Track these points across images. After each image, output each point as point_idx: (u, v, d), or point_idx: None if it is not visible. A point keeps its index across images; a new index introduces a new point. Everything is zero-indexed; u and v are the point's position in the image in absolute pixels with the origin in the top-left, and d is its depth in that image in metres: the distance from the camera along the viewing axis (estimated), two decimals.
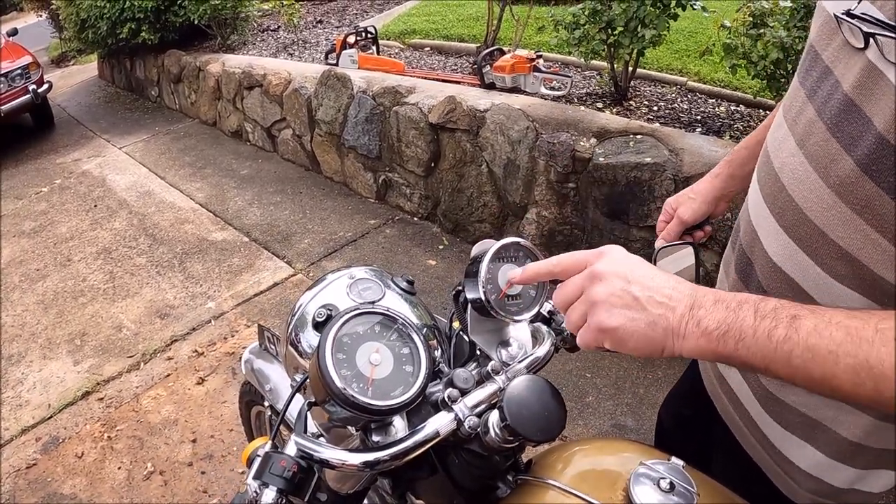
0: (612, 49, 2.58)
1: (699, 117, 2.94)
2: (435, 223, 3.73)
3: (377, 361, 0.70)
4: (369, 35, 4.47)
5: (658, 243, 1.09)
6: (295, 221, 3.85)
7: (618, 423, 2.25)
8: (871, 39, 0.60)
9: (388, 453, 0.68)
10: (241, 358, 1.44)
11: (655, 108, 3.09)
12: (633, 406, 2.31)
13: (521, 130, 2.95)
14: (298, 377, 0.83)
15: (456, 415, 0.71)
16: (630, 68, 3.07)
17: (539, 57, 3.39)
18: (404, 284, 0.90)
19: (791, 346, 0.55)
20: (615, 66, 3.04)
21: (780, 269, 0.74)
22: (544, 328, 0.84)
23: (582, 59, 2.93)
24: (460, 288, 0.82)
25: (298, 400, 0.83)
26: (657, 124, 2.81)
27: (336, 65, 4.36)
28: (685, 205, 1.07)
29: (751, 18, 2.17)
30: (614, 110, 3.07)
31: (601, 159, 2.62)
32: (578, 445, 0.81)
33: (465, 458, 0.74)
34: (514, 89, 3.42)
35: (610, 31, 2.54)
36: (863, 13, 0.60)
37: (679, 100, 3.24)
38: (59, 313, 3.21)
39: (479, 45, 4.10)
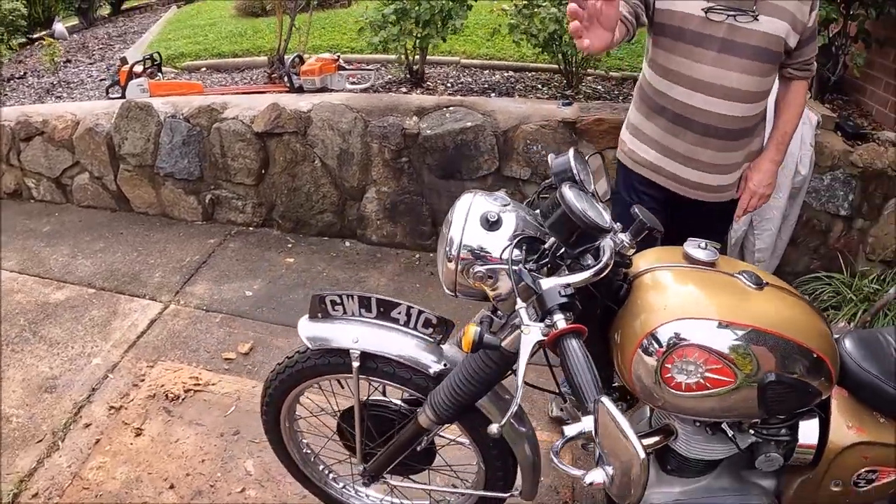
0: (419, 40, 3.10)
1: (486, 86, 3.63)
2: (273, 227, 3.97)
3: (588, 207, 1.12)
4: (154, 62, 4.45)
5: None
6: (133, 261, 3.79)
7: None
8: None
9: (601, 265, 1.09)
10: (298, 333, 1.49)
11: (449, 85, 3.71)
12: None
13: (349, 121, 3.36)
14: (481, 268, 1.17)
15: (615, 241, 1.17)
16: (424, 55, 3.64)
17: (339, 57, 3.80)
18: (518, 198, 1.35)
19: None
20: (410, 56, 3.58)
21: None
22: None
23: (388, 55, 3.42)
24: (548, 183, 1.28)
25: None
26: (459, 96, 3.42)
27: (123, 96, 4.28)
28: None
29: (524, 1, 2.84)
30: (418, 91, 3.62)
31: (428, 132, 3.16)
32: (646, 252, 1.35)
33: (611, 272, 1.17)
34: (323, 89, 3.79)
35: (417, 25, 3.05)
36: None
37: (460, 75, 3.90)
38: None
39: (270, 55, 4.35)
